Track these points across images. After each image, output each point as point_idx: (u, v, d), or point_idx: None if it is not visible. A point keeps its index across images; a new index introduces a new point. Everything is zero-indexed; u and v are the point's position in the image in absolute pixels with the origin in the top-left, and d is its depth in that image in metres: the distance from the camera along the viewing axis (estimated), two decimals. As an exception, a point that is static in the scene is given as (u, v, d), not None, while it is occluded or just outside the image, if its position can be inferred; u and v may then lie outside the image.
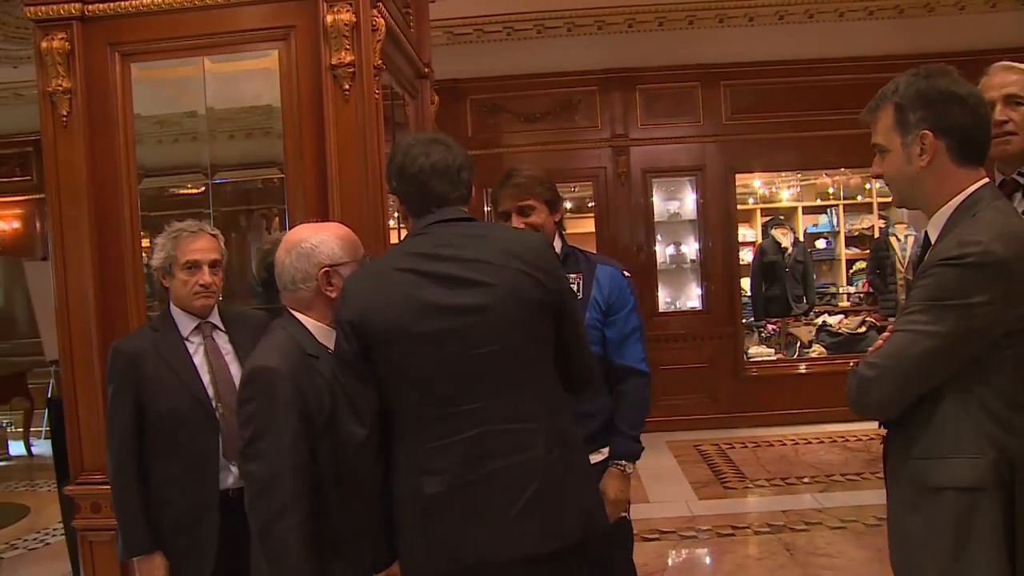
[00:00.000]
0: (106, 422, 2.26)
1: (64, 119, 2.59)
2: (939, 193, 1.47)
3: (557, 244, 2.35)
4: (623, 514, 2.35)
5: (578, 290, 2.31)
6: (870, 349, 1.55)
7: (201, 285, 2.24)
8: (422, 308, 1.60)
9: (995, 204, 1.46)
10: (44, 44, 2.57)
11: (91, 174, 2.61)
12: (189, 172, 2.79)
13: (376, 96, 2.75)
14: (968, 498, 1.39)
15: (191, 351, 2.25)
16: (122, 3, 2.61)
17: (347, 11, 2.56)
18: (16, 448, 7.10)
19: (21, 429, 7.14)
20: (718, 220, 6.82)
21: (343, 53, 2.65)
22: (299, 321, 1.86)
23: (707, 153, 6.75)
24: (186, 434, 2.18)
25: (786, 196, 8.70)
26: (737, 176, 7.05)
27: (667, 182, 6.96)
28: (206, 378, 2.23)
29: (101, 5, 2.61)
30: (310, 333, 1.84)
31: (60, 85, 2.58)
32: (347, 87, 2.66)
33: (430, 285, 1.61)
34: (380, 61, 2.78)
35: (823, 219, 8.76)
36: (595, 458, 2.23)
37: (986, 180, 1.50)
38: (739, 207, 7.74)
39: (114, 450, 2.20)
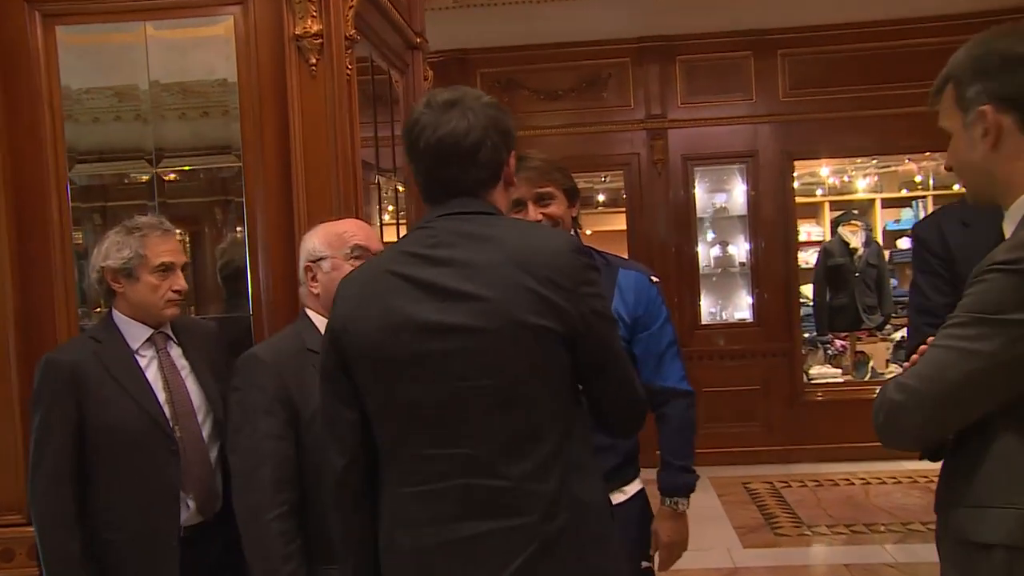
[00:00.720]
0: (31, 448, 2.20)
1: (-30, 88, 2.59)
2: (1012, 180, 1.41)
3: None
4: (645, 564, 2.34)
5: None
6: (905, 365, 1.50)
7: (175, 291, 2.26)
8: (404, 323, 1.52)
9: None
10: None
11: (9, 156, 2.61)
12: (130, 157, 2.80)
13: (348, 71, 2.77)
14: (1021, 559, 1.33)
15: (142, 365, 2.25)
16: (42, -50, 2.61)
17: (313, -28, 2.56)
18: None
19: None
20: (773, 215, 6.76)
21: (309, 21, 2.66)
22: (307, 316, 2.16)
23: (760, 136, 6.69)
24: (139, 463, 2.16)
25: (862, 186, 8.57)
26: (798, 163, 6.99)
27: (712, 171, 6.92)
28: (161, 396, 2.23)
29: (13, -49, 2.61)
30: (316, 328, 2.08)
31: (-37, 48, 2.57)
32: (314, 61, 2.66)
33: (418, 295, 1.52)
34: (354, 31, 2.80)
35: (907, 213, 8.58)
36: (617, 498, 2.20)
37: None
38: (803, 200, 7.67)
39: (42, 480, 2.14)
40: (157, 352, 2.28)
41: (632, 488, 2.31)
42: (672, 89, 6.74)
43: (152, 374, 2.25)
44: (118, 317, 2.28)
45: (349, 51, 2.77)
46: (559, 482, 1.50)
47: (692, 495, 2.33)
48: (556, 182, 2.28)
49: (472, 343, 1.49)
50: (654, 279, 2.37)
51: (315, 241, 2.18)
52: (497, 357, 1.49)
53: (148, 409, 2.19)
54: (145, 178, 2.83)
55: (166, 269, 2.25)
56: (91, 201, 2.78)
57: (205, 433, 2.27)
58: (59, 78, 2.67)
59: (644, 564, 2.33)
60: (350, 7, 2.79)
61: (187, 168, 2.88)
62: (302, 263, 2.20)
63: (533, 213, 2.24)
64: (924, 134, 6.26)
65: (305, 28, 2.65)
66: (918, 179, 8.49)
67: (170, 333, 2.33)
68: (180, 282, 2.28)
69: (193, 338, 2.38)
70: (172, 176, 2.87)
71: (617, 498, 2.22)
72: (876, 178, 8.58)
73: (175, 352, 2.32)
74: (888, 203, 8.53)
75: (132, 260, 2.24)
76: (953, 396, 1.36)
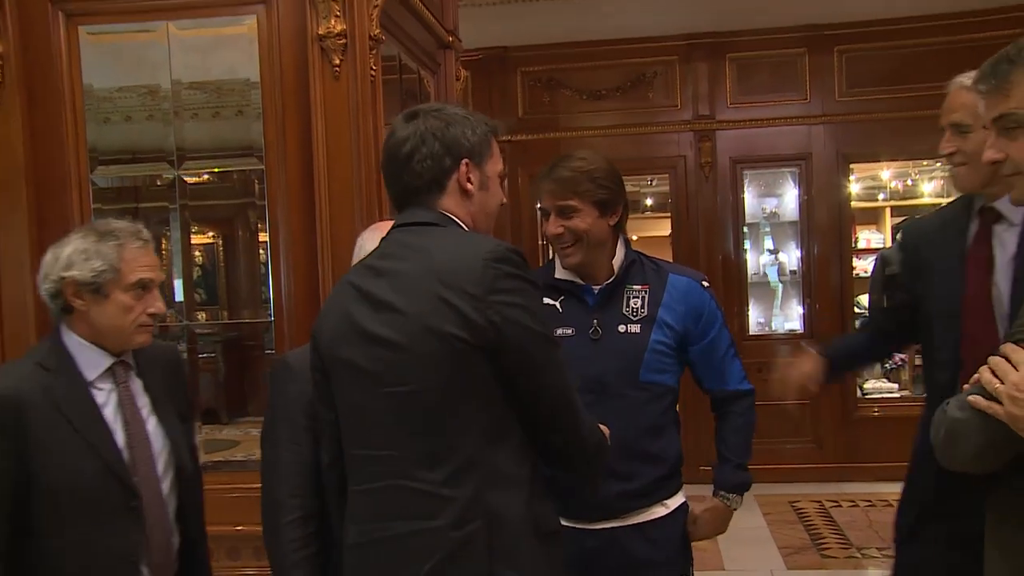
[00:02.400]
0: None
1: (-6, 87, 2.64)
2: None
3: (620, 252, 2.32)
4: None
5: (643, 305, 2.28)
6: (970, 382, 1.47)
7: (151, 314, 1.99)
8: (348, 331, 1.68)
9: None
10: (-35, -4, 2.62)
11: (31, 157, 2.69)
12: (151, 159, 2.88)
13: (373, 73, 2.81)
14: None
15: (99, 402, 1.96)
16: (65, -51, 2.69)
17: (337, -31, 2.60)
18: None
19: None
20: (827, 221, 6.66)
21: (332, 21, 2.72)
22: None
23: (814, 138, 6.60)
24: (92, 524, 1.90)
25: (927, 190, 8.39)
26: (856, 166, 6.88)
27: (762, 174, 6.86)
28: (120, 440, 1.95)
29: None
30: None
31: (-12, 46, 2.63)
32: (337, 62, 2.71)
33: (362, 304, 1.67)
34: (379, 31, 2.84)
35: (974, 219, 8.40)
36: (658, 511, 2.26)
37: None
38: (862, 205, 7.53)
39: None
40: (117, 385, 1.99)
41: (674, 502, 2.30)
42: (721, 88, 6.69)
43: (110, 412, 1.97)
44: (72, 341, 1.96)
45: (374, 52, 2.81)
46: (473, 490, 1.58)
47: (738, 515, 2.37)
48: (585, 194, 2.24)
49: (392, 352, 1.61)
50: (705, 283, 2.37)
51: (365, 242, 2.07)
52: (413, 367, 1.59)
53: (106, 458, 1.91)
54: (168, 179, 2.91)
55: (143, 287, 1.97)
56: (114, 203, 2.86)
57: (165, 487, 2.03)
58: (81, 78, 2.76)
59: None
60: (375, 6, 2.82)
61: (214, 170, 2.96)
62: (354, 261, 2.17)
63: (553, 225, 2.26)
64: (992, 136, 6.19)
65: (328, 28, 2.70)
66: (987, 183, 8.30)
67: (131, 361, 2.04)
68: (158, 304, 2.00)
69: (155, 367, 2.09)
70: (195, 179, 2.95)
71: (658, 512, 2.26)
72: (942, 182, 8.40)
73: (136, 386, 2.04)
74: (955, 208, 8.32)
75: (104, 273, 1.93)
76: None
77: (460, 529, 1.57)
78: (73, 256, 1.94)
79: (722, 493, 2.35)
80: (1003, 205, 2.06)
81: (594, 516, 2.22)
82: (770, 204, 6.92)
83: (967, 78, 2.05)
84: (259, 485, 1.94)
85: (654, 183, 8.52)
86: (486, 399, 1.60)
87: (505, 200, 1.83)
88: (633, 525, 2.24)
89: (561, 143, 6.53)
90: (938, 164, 8.09)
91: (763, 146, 6.66)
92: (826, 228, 6.66)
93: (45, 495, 1.87)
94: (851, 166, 6.75)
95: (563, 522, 2.11)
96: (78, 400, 1.93)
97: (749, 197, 6.82)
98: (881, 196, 8.33)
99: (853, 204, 6.99)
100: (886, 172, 8.18)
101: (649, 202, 9.12)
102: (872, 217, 8.23)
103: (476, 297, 1.56)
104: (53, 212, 2.72)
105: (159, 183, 2.91)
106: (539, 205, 2.36)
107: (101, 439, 1.92)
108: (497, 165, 1.76)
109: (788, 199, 6.87)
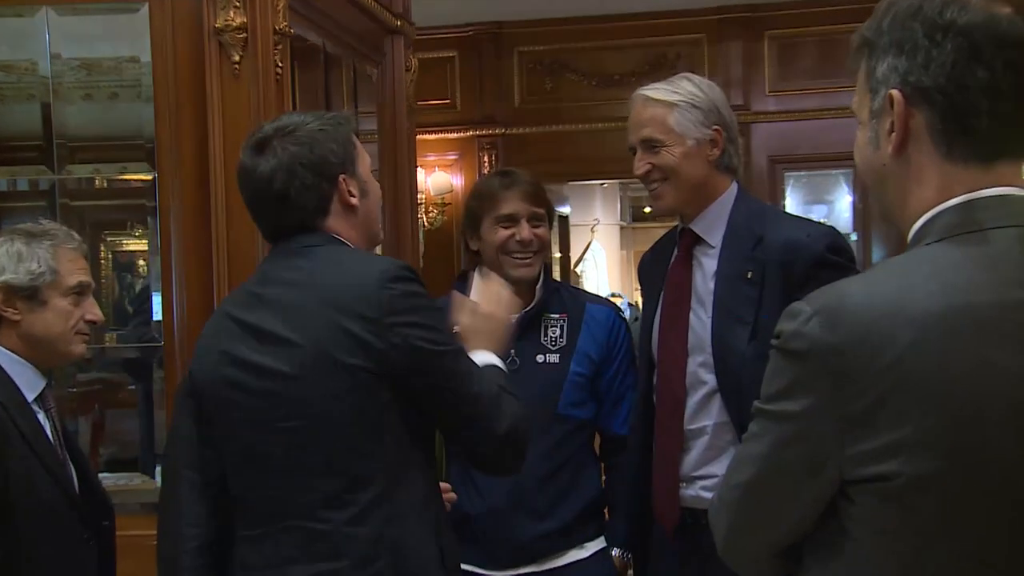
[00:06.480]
0: None
1: None
2: (904, 207, 1.30)
3: (541, 276, 2.62)
4: None
5: (561, 335, 2.57)
6: None
7: (89, 321, 2.18)
8: (232, 366, 1.84)
9: (949, 243, 1.22)
10: None
11: None
12: (26, 148, 3.12)
13: (279, 71, 3.03)
14: None
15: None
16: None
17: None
18: None
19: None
20: (892, 234, 6.77)
21: (232, 13, 2.92)
22: None
23: (873, 133, 6.68)
24: (50, 559, 2.06)
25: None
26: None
27: (808, 177, 7.00)
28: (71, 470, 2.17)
29: None
30: None
31: None
32: (237, 59, 2.92)
33: (245, 337, 1.83)
34: (285, 23, 3.05)
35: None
36: (575, 555, 2.53)
37: (1003, 191, 1.24)
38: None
39: None
40: (47, 411, 2.17)
41: (593, 546, 2.56)
42: (758, 73, 6.77)
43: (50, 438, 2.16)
44: (3, 357, 2.11)
45: (280, 47, 3.02)
46: (378, 527, 1.77)
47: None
48: (547, 205, 2.63)
49: (284, 385, 1.78)
50: (623, 315, 2.70)
51: None
52: (311, 400, 1.77)
53: (64, 484, 2.10)
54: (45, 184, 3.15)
55: (80, 292, 2.16)
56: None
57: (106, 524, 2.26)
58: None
59: None
60: (282, -6, 3.03)
61: (94, 175, 3.21)
62: None
63: (527, 231, 2.54)
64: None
65: (227, 20, 2.89)
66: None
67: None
68: (95, 310, 2.20)
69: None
70: (78, 183, 3.20)
71: (575, 555, 2.53)
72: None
73: (56, 416, 2.21)
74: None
75: (42, 276, 2.09)
76: (746, 506, 1.32)
77: (365, 569, 1.76)
78: (2, 260, 2.08)
79: (615, 551, 2.56)
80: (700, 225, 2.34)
81: (509, 561, 2.49)
82: (818, 213, 6.99)
83: (642, 93, 2.32)
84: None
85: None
86: (393, 430, 1.78)
87: (380, 191, 2.01)
88: (550, 570, 2.50)
89: (564, 138, 6.71)
90: None
91: (809, 143, 6.69)
92: (885, 239, 6.61)
93: (19, 531, 2.02)
94: (919, 167, 6.84)
95: (475, 569, 2.44)
96: (28, 420, 2.08)
97: (792, 204, 6.87)
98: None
99: (925, 213, 7.07)
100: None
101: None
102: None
103: (374, 321, 1.73)
104: None
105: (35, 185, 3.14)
106: (503, 212, 2.55)
107: (57, 464, 2.10)
108: (366, 161, 1.94)
109: (840, 207, 6.99)
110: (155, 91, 3.05)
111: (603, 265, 9.29)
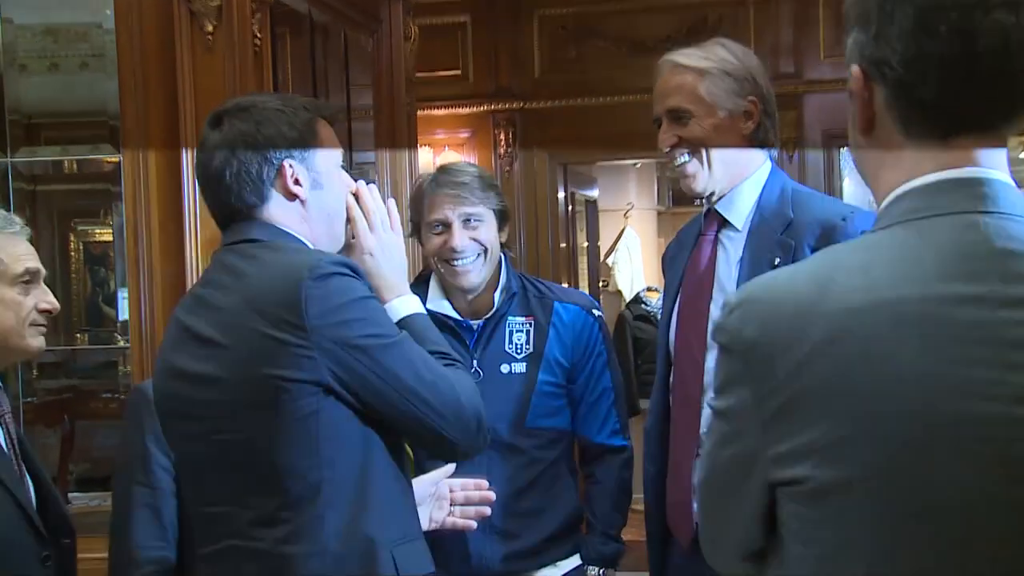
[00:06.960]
0: None
1: None
2: (877, 187, 1.35)
3: (503, 277, 2.61)
4: None
5: (527, 341, 2.57)
6: None
7: (44, 311, 2.18)
8: (176, 371, 1.86)
9: (884, 233, 1.28)
10: None
11: None
12: None
13: (258, 42, 3.02)
14: None
15: None
16: None
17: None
18: None
19: None
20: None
21: None
22: None
23: (937, 103, 6.41)
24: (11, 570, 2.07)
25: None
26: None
27: (869, 153, 6.70)
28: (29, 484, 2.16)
29: None
30: None
31: None
32: (211, 29, 2.88)
33: (188, 341, 1.84)
34: None
35: None
36: (550, 573, 2.58)
37: (959, 173, 1.26)
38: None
39: None
40: (3, 422, 2.16)
41: (567, 564, 2.61)
42: (812, 36, 6.53)
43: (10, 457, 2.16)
44: None
45: (258, 15, 3.02)
46: (322, 543, 1.75)
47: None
48: (488, 201, 2.56)
49: (217, 393, 1.77)
50: (596, 312, 2.68)
51: None
52: (240, 411, 1.76)
53: (24, 504, 2.09)
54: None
55: (29, 280, 2.14)
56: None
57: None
58: None
59: None
60: (259, -43, 3.05)
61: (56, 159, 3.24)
62: None
63: (459, 238, 2.49)
64: None
65: None
66: None
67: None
68: (50, 297, 2.18)
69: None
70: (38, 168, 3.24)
71: (549, 573, 2.59)
72: None
73: (9, 419, 2.19)
74: None
75: None
76: (710, 495, 1.40)
77: None
78: None
79: (590, 569, 2.61)
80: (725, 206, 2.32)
81: None
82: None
83: (671, 59, 2.30)
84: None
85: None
86: (333, 442, 1.76)
87: (356, 189, 1.99)
88: None
89: (590, 112, 6.55)
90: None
91: (867, 115, 6.53)
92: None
93: None
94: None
95: None
96: None
97: (850, 185, 6.75)
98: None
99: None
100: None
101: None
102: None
103: (298, 327, 1.71)
104: None
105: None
106: (431, 218, 2.55)
107: (16, 482, 2.10)
108: (332, 154, 1.93)
109: (905, 187, 6.74)
110: (119, 63, 3.05)
111: (638, 256, 8.90)
